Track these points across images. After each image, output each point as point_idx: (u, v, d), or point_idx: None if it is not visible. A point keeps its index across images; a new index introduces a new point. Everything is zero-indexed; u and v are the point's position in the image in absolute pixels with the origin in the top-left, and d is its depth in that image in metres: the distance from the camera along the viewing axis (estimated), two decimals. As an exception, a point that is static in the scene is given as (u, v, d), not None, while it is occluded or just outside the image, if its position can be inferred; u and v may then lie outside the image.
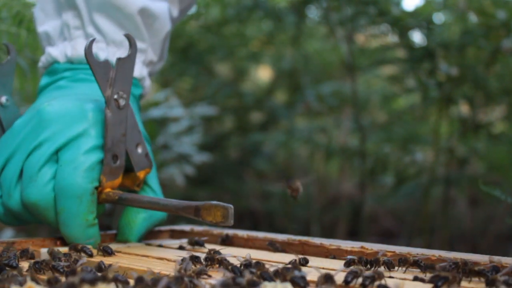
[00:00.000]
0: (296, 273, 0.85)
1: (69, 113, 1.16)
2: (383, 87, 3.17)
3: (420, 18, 2.48)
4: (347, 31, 2.75)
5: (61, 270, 0.93)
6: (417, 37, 2.72)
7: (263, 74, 3.78)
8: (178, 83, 3.24)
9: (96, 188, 1.15)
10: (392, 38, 2.72)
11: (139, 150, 1.20)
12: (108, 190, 1.16)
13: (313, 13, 3.14)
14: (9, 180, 1.16)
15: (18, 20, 1.76)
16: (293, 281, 0.82)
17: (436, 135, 2.52)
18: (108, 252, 1.09)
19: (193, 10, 3.11)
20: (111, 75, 1.15)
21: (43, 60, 1.31)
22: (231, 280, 0.81)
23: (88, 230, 1.15)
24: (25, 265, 0.98)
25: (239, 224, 1.10)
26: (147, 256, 1.10)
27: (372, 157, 2.76)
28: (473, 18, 2.51)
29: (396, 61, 2.66)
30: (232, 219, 1.03)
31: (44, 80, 1.31)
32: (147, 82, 1.33)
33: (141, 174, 1.20)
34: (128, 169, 1.20)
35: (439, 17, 2.85)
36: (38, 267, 0.95)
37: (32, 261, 0.98)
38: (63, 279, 0.87)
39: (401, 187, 2.66)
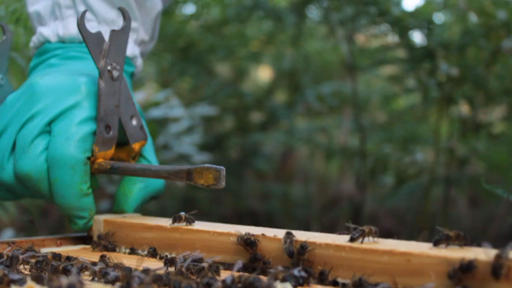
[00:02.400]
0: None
1: (62, 86, 1.17)
2: (383, 87, 3.16)
3: (421, 18, 2.47)
4: (347, 31, 2.75)
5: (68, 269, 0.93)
6: (417, 37, 2.72)
7: (263, 74, 3.78)
8: (178, 83, 3.24)
9: (89, 158, 1.15)
10: (393, 38, 2.72)
11: (134, 122, 1.20)
12: (100, 160, 1.16)
13: (313, 13, 3.14)
14: (1, 153, 1.17)
15: (15, 18, 1.76)
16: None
17: (436, 135, 2.51)
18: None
19: (192, 9, 3.11)
20: (104, 47, 1.15)
21: (34, 41, 1.30)
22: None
23: (82, 200, 1.15)
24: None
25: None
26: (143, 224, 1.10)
27: (372, 157, 2.76)
28: (473, 18, 2.51)
29: (396, 61, 2.66)
30: (224, 181, 1.03)
31: (34, 60, 1.30)
32: (139, 61, 1.33)
33: (136, 146, 1.20)
34: (124, 143, 1.20)
35: (439, 17, 2.85)
36: (39, 266, 0.95)
37: (33, 260, 0.98)
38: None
39: (401, 187, 2.66)
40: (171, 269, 0.94)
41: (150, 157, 1.25)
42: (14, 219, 3.04)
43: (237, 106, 3.15)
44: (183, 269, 0.90)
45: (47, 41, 1.28)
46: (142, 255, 1.09)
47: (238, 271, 0.92)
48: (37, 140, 1.14)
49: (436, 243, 0.84)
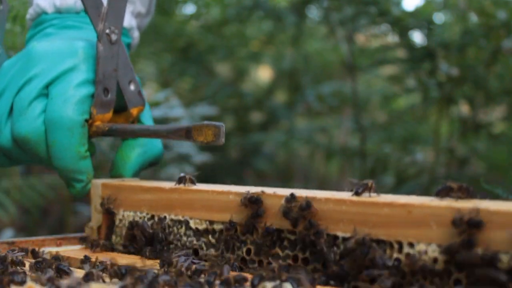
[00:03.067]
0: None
1: (59, 50, 1.16)
2: (383, 87, 3.17)
3: (421, 18, 2.48)
4: (347, 31, 2.75)
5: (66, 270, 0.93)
6: (417, 37, 2.73)
7: (263, 74, 3.78)
8: (178, 83, 3.24)
9: (87, 120, 1.15)
10: (393, 38, 2.72)
11: (132, 87, 1.20)
12: (98, 123, 1.16)
13: (313, 13, 3.14)
14: None
15: (12, 16, 1.75)
16: None
17: (436, 135, 2.51)
18: None
19: (192, 9, 3.11)
20: (103, 10, 1.16)
21: (31, 12, 1.30)
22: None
23: (80, 163, 1.15)
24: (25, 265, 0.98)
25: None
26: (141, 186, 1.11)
27: (372, 157, 2.76)
28: (473, 18, 2.51)
29: (396, 61, 2.66)
30: (223, 138, 1.03)
31: (31, 32, 1.29)
32: (136, 34, 1.33)
33: (134, 111, 1.20)
34: (121, 109, 1.20)
35: (439, 17, 2.85)
36: (39, 266, 0.95)
37: (33, 261, 0.98)
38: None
39: (402, 187, 2.66)
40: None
41: (148, 122, 1.24)
42: (14, 219, 3.04)
43: (237, 106, 3.15)
44: (183, 269, 0.90)
45: (44, 12, 1.28)
46: (141, 217, 1.08)
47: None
48: (34, 103, 1.14)
49: (438, 194, 0.84)
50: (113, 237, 1.14)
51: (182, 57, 2.96)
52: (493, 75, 2.46)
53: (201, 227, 1.02)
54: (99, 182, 1.16)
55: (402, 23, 2.43)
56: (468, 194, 0.84)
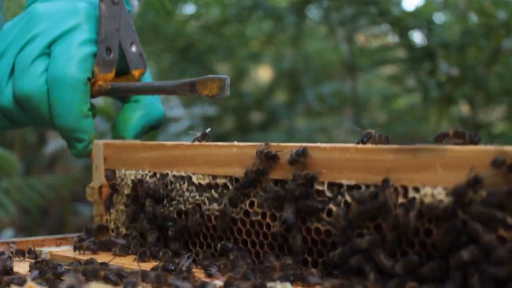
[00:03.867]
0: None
1: (61, 10, 1.17)
2: (383, 87, 3.17)
3: (421, 18, 2.48)
4: (347, 31, 2.75)
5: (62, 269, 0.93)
6: (417, 37, 2.73)
7: (263, 74, 3.78)
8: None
9: (89, 79, 1.15)
10: (393, 38, 2.72)
11: (133, 49, 1.20)
12: (101, 82, 1.17)
13: (313, 13, 3.14)
14: (0, 76, 1.16)
15: (9, 15, 1.75)
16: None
17: (436, 135, 2.51)
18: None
19: (192, 9, 3.11)
20: None
21: None
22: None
23: (82, 121, 1.15)
24: (25, 265, 0.98)
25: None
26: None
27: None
28: (473, 18, 2.51)
29: (396, 61, 2.66)
30: (228, 91, 1.04)
31: None
32: (135, 2, 1.33)
33: (136, 73, 1.20)
34: (123, 72, 1.20)
35: (439, 17, 2.85)
36: (38, 266, 0.95)
37: (33, 260, 0.98)
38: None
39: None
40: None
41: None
42: (14, 219, 3.04)
43: (237, 106, 3.15)
44: (183, 268, 0.90)
45: None
46: (143, 174, 1.09)
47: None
48: (37, 61, 1.14)
49: (435, 140, 0.85)
50: (114, 196, 1.14)
51: (182, 57, 2.95)
52: (493, 75, 2.45)
53: (204, 182, 1.02)
54: (100, 142, 1.16)
55: (402, 23, 2.43)
56: (464, 138, 0.84)
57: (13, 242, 1.15)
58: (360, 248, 0.83)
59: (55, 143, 3.37)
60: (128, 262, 1.01)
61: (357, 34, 2.95)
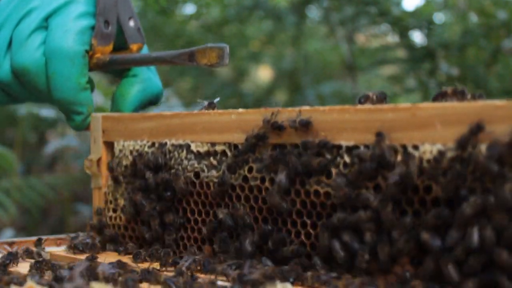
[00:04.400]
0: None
1: None
2: (383, 87, 3.16)
3: (421, 18, 2.47)
4: (347, 31, 2.75)
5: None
6: (417, 37, 2.72)
7: (263, 74, 3.78)
8: (178, 83, 3.24)
9: (87, 52, 1.14)
10: (393, 38, 2.72)
11: (131, 23, 1.20)
12: (99, 55, 1.16)
13: (313, 13, 3.14)
14: None
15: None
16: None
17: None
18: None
19: (192, 9, 3.11)
20: None
21: None
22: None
23: (80, 94, 1.14)
24: (26, 264, 0.98)
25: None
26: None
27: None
28: (473, 18, 2.51)
29: (396, 61, 2.66)
30: (227, 59, 1.03)
31: None
32: None
33: (134, 47, 1.20)
34: (121, 47, 1.20)
35: (439, 17, 2.85)
36: (38, 266, 0.95)
37: (33, 260, 0.98)
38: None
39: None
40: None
41: None
42: (14, 219, 3.04)
43: (237, 106, 3.15)
44: (183, 268, 0.90)
45: None
46: (141, 145, 1.09)
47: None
48: (34, 35, 1.14)
49: (434, 100, 0.85)
50: (116, 186, 1.14)
51: (182, 57, 2.95)
52: (493, 75, 2.46)
53: (203, 149, 1.02)
54: (99, 115, 1.16)
55: (402, 23, 2.43)
56: (463, 96, 0.84)
57: (13, 242, 1.15)
58: (370, 205, 0.83)
59: (55, 143, 3.37)
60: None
61: (357, 34, 2.95)
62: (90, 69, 1.17)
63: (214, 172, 1.00)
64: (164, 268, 0.95)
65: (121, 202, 1.13)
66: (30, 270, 0.94)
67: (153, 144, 1.08)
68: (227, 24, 2.97)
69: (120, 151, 1.12)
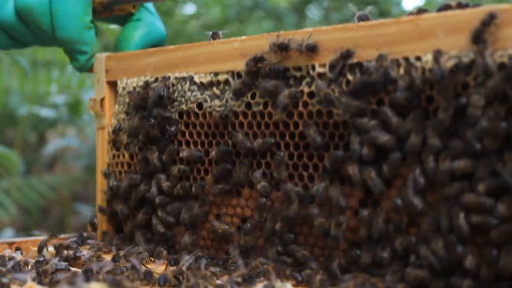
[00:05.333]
0: None
1: None
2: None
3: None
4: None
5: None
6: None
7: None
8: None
9: None
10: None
11: None
12: None
13: (313, 13, 3.14)
14: None
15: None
16: None
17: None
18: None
19: (192, 9, 3.12)
20: None
21: None
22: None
23: (84, 33, 1.15)
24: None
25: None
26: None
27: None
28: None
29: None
30: None
31: None
32: None
33: None
34: None
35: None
36: (39, 266, 0.95)
37: (33, 260, 0.98)
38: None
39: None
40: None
41: (150, 7, 1.25)
42: (14, 219, 3.04)
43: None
44: (184, 268, 0.90)
45: None
46: (145, 81, 1.11)
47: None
48: None
49: (438, 11, 0.85)
50: (116, 106, 1.15)
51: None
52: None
53: (206, 80, 1.03)
54: (103, 55, 1.17)
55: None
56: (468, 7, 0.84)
57: (13, 242, 1.15)
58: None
59: (55, 143, 3.37)
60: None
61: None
62: (94, 10, 1.17)
63: (217, 102, 1.01)
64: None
65: (124, 139, 1.14)
66: (30, 270, 0.94)
67: (156, 80, 1.09)
68: (227, 24, 2.97)
69: (123, 88, 1.14)
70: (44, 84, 2.73)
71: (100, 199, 1.18)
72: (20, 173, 3.03)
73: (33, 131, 3.48)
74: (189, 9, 3.17)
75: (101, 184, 1.18)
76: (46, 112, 3.09)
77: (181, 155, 1.04)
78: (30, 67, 2.10)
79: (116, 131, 1.13)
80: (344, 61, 0.85)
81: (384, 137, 0.82)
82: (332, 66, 0.86)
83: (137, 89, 1.10)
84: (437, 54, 0.79)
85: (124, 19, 1.22)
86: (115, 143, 1.14)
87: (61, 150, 3.44)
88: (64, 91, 2.94)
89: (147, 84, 1.08)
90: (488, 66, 0.75)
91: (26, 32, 1.18)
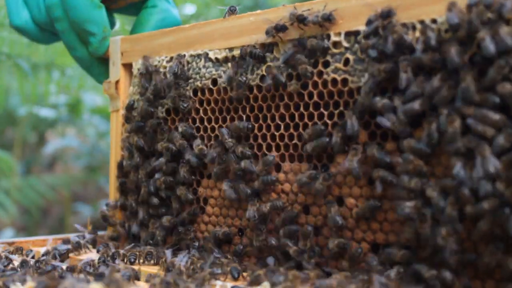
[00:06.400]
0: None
1: None
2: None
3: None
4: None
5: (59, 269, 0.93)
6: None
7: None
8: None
9: None
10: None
11: None
12: None
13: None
14: None
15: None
16: None
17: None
18: None
19: (192, 9, 3.11)
20: None
21: None
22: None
23: (94, 12, 1.16)
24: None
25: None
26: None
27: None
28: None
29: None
30: None
31: None
32: None
33: None
34: None
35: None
36: (38, 266, 0.95)
37: (34, 260, 0.98)
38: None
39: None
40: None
41: None
42: (14, 219, 3.04)
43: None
44: (182, 268, 0.90)
45: None
46: (160, 60, 1.12)
47: None
48: None
49: None
50: (131, 88, 1.16)
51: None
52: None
53: (221, 56, 1.04)
54: (118, 37, 1.18)
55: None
56: None
57: (13, 242, 1.15)
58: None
59: (55, 143, 3.37)
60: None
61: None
62: None
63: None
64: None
65: (138, 118, 1.15)
66: (30, 270, 0.94)
67: (171, 59, 1.10)
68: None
69: (138, 69, 1.15)
70: (43, 84, 2.73)
71: (113, 187, 1.20)
72: (20, 173, 3.03)
73: (33, 131, 3.48)
74: (189, 9, 3.17)
75: (114, 168, 1.20)
76: (46, 112, 3.09)
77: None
78: (30, 70, 2.11)
79: (129, 108, 1.16)
80: (383, 20, 0.86)
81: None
82: (369, 22, 0.87)
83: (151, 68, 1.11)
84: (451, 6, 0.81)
85: (139, 9, 1.23)
86: (127, 120, 1.17)
87: (61, 150, 3.44)
88: (64, 91, 2.94)
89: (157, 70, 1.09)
90: None
91: (42, 36, 1.20)
